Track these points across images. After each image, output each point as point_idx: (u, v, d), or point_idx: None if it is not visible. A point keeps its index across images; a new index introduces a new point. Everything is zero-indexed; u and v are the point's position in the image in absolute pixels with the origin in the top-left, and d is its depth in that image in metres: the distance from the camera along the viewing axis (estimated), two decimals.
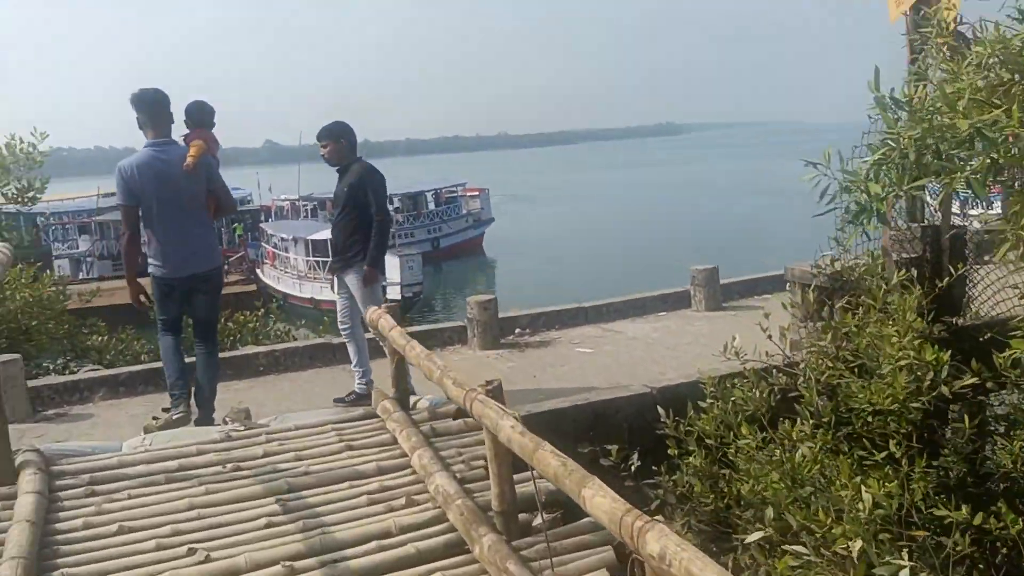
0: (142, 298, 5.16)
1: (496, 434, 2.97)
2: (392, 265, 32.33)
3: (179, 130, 5.63)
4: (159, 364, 6.98)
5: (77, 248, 42.05)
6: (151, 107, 5.03)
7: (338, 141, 5.77)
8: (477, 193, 52.13)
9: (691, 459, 4.40)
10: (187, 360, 5.38)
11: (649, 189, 75.76)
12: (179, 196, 5.01)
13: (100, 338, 8.13)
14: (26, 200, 8.36)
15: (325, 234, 32.49)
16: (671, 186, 77.87)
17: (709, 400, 4.59)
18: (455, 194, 50.66)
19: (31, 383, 6.43)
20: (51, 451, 4.23)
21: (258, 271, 36.95)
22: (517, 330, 8.08)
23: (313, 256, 33.22)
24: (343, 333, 5.90)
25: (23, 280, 8.38)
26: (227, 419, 4.81)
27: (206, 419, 5.05)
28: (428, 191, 48.26)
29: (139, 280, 5.15)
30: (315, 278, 33.88)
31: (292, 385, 6.74)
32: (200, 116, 5.82)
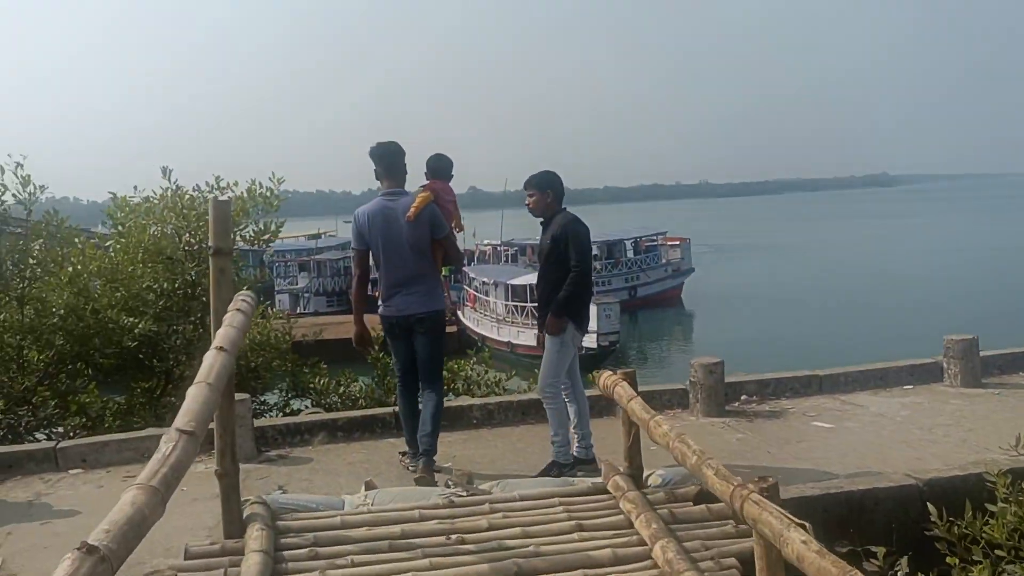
0: (364, 338, 5.58)
1: (780, 547, 2.47)
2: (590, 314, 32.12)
3: (420, 180, 5.76)
4: (375, 411, 7.00)
5: (296, 284, 45.11)
6: (385, 159, 5.42)
7: (544, 192, 5.52)
8: (678, 242, 51.12)
9: (977, 571, 3.69)
10: None
11: (862, 244, 71.36)
12: (403, 242, 5.30)
13: (321, 380, 8.27)
14: (261, 243, 8.73)
15: (524, 279, 32.89)
16: (885, 240, 73.12)
17: (1001, 503, 3.86)
18: (655, 243, 49.93)
19: (257, 423, 6.54)
20: (277, 504, 4.13)
21: (459, 313, 37.84)
22: (743, 396, 7.44)
23: (512, 301, 33.68)
24: (561, 393, 5.56)
25: (254, 318, 8.75)
26: (449, 482, 4.57)
27: (427, 467, 5.16)
28: (627, 239, 47.81)
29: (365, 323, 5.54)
30: (512, 322, 34.27)
31: (504, 442, 6.47)
32: (437, 167, 5.84)
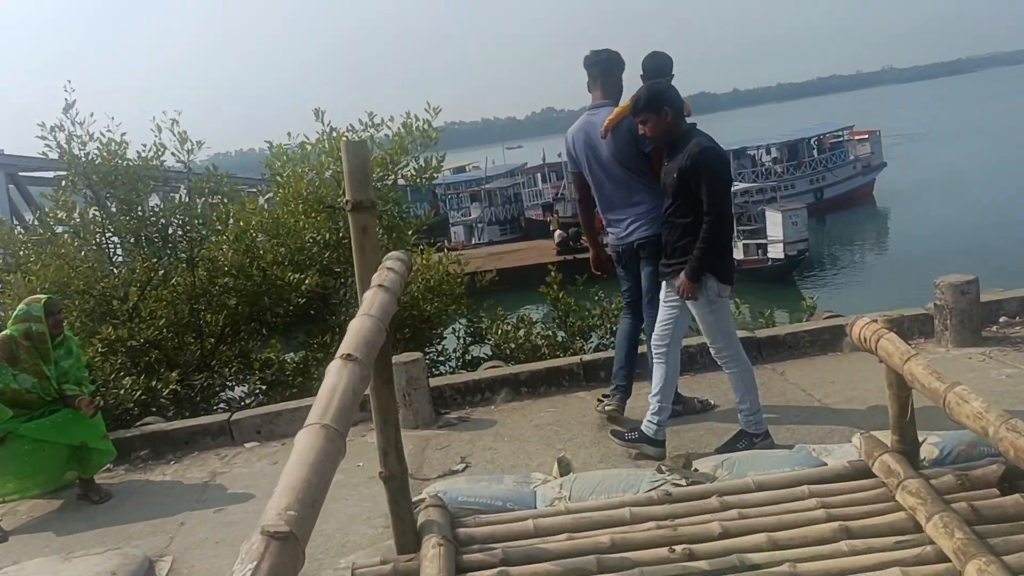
0: (600, 261, 5.22)
1: None
2: (774, 222, 30.08)
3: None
4: (560, 362, 6.23)
5: (469, 215, 45.27)
6: (593, 68, 4.88)
7: (660, 113, 4.20)
8: (867, 136, 47.04)
9: None
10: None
11: None
12: (603, 162, 4.76)
13: (499, 328, 7.58)
14: (424, 180, 8.09)
15: None
16: None
17: None
18: (840, 139, 46.23)
19: (433, 382, 5.95)
20: (456, 503, 3.44)
21: None
22: (1003, 319, 6.09)
23: None
24: (655, 352, 4.49)
25: (423, 262, 8.17)
26: (663, 467, 3.71)
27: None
28: (810, 137, 44.46)
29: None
30: None
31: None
32: (655, 69, 4.81)
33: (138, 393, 6.22)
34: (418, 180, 8.16)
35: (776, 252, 29.44)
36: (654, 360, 4.51)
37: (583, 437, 5.02)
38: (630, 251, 4.80)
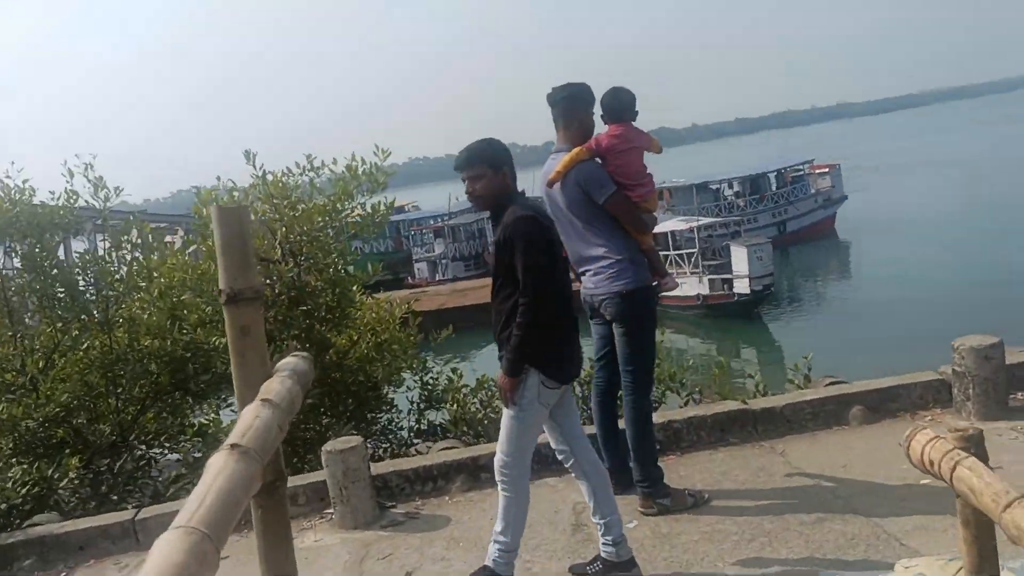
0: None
1: None
2: (739, 256, 29.61)
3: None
4: None
5: (433, 251, 44.48)
6: (554, 109, 4.36)
7: (498, 170, 3.53)
8: (827, 169, 47.31)
9: None
10: None
11: None
12: (561, 211, 4.29)
13: (455, 397, 6.73)
14: (373, 228, 7.25)
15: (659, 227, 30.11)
16: None
17: None
18: (801, 172, 46.41)
19: (377, 469, 5.08)
20: None
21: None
22: None
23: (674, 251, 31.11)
24: (501, 476, 3.67)
25: (374, 315, 7.31)
26: None
27: (648, 498, 4.28)
28: (770, 172, 44.62)
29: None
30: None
31: (700, 474, 4.77)
32: (612, 106, 4.33)
33: (28, 486, 5.27)
34: (364, 227, 7.32)
35: (742, 287, 29.01)
36: (499, 488, 3.68)
37: (554, 543, 4.20)
38: (595, 307, 4.38)
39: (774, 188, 43.90)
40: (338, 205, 6.99)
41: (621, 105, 4.31)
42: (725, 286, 29.39)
